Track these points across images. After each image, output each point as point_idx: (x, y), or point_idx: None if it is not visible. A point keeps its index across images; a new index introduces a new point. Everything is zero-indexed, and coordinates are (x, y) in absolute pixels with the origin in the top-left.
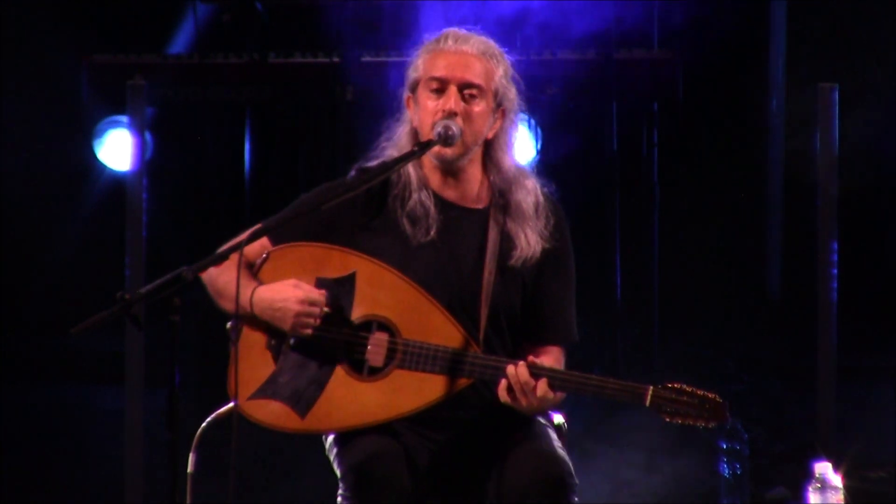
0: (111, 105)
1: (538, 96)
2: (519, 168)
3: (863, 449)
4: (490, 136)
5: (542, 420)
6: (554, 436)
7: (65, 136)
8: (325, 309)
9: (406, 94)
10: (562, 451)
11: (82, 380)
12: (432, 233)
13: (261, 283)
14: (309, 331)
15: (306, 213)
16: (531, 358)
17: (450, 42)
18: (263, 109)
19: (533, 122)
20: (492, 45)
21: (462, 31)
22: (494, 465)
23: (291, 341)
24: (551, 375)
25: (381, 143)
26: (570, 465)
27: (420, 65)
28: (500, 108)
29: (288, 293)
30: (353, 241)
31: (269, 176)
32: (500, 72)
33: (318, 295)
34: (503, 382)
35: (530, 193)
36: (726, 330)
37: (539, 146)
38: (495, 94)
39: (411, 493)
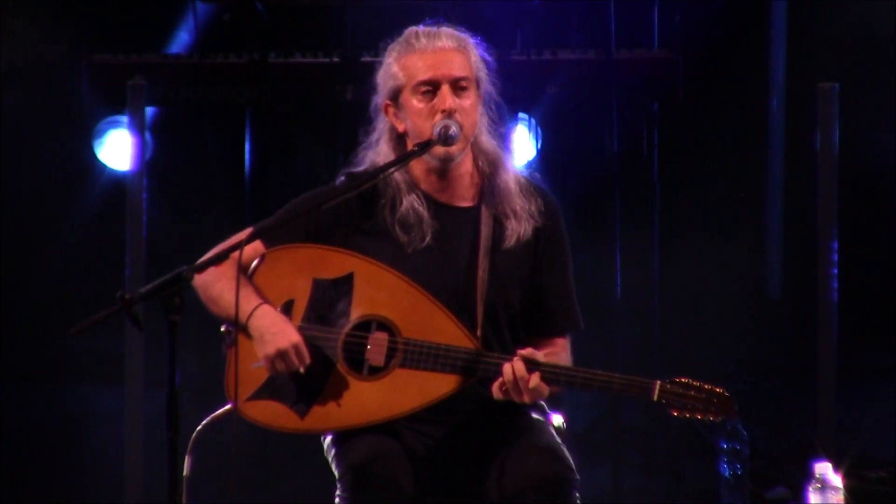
0: (111, 105)
1: (538, 96)
2: (498, 149)
3: (863, 449)
4: None
5: (540, 417)
6: (552, 431)
7: (65, 136)
8: (301, 370)
9: (383, 100)
10: (562, 445)
11: (82, 380)
12: (428, 239)
13: (256, 286)
14: (269, 368)
15: (302, 215)
16: (530, 350)
17: (422, 40)
18: (263, 109)
19: (533, 122)
20: (459, 34)
21: (428, 28)
22: (494, 461)
23: (255, 364)
24: (556, 371)
25: (360, 152)
26: (571, 459)
27: (398, 71)
28: (478, 92)
29: (288, 332)
30: (347, 246)
31: (269, 176)
32: (474, 58)
33: (307, 356)
34: (498, 380)
35: (510, 173)
36: (726, 330)
37: (539, 146)
38: (477, 82)
39: (410, 493)
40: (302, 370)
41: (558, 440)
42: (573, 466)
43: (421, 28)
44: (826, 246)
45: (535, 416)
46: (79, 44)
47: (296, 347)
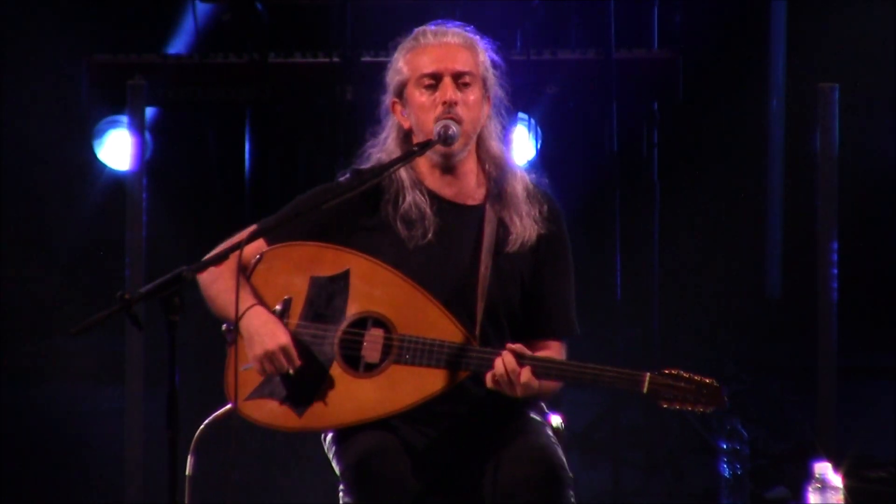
0: (111, 105)
1: (538, 96)
2: (507, 154)
3: (863, 449)
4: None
5: (537, 417)
6: (549, 431)
7: (65, 136)
8: (290, 371)
9: (391, 98)
10: (556, 446)
11: (82, 380)
12: (430, 235)
13: (254, 286)
14: (259, 370)
15: (304, 213)
16: (520, 346)
17: (429, 37)
18: (263, 109)
19: (533, 122)
20: (468, 33)
21: (437, 26)
22: (489, 461)
23: (244, 366)
24: (547, 365)
25: (366, 149)
26: (564, 459)
27: (403, 66)
28: (486, 94)
29: (277, 333)
30: (350, 243)
31: (269, 176)
32: (482, 58)
33: (296, 357)
34: (490, 373)
35: (519, 179)
36: (726, 330)
37: (539, 146)
38: (483, 81)
39: (411, 489)
40: (291, 371)
41: (553, 440)
42: (565, 465)
43: (430, 27)
44: (826, 246)
45: (532, 415)
46: (79, 44)
47: (284, 349)
